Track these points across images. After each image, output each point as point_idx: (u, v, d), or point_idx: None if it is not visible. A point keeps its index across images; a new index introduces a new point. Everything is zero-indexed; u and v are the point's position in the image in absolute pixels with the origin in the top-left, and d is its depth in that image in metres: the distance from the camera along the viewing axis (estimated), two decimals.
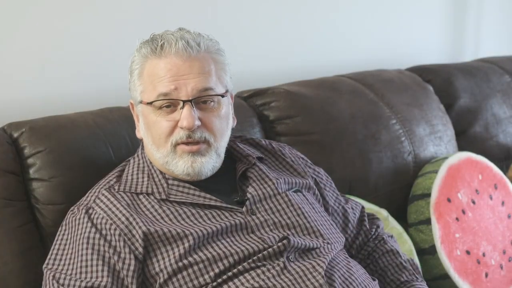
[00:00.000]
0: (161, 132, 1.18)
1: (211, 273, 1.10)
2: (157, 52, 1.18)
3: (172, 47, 1.16)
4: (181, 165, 1.18)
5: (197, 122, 1.16)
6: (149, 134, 1.21)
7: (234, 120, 1.30)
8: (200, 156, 1.18)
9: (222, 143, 1.23)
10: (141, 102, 1.21)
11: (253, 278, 1.10)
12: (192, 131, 1.16)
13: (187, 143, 1.17)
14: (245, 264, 1.11)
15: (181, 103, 1.16)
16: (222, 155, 1.25)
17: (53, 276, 1.11)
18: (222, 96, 1.21)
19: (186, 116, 1.15)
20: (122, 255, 1.11)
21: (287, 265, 1.12)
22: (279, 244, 1.14)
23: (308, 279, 1.10)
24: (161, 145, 1.19)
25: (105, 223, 1.14)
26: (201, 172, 1.19)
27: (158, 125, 1.18)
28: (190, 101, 1.15)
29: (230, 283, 1.10)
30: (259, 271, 1.11)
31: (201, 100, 1.18)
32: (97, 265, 1.10)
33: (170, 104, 1.17)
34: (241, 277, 1.10)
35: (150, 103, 1.18)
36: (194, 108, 1.16)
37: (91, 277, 1.09)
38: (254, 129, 1.65)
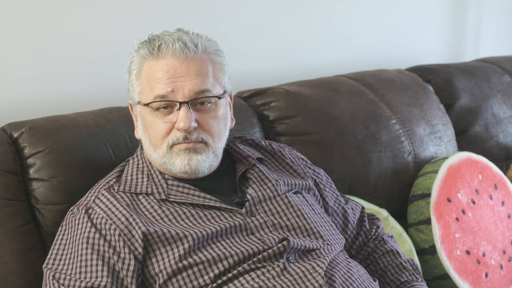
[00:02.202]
0: (158, 133, 1.18)
1: (211, 274, 1.10)
2: (154, 53, 1.18)
3: (169, 48, 1.16)
4: (178, 163, 1.18)
5: (194, 124, 1.16)
6: (147, 135, 1.21)
7: (232, 121, 1.30)
8: (196, 154, 1.18)
9: (219, 144, 1.23)
10: (139, 103, 1.22)
11: (253, 279, 1.10)
12: (188, 133, 1.16)
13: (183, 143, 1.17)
14: (245, 265, 1.11)
15: (178, 104, 1.16)
16: (220, 155, 1.25)
17: (53, 276, 1.11)
18: (219, 97, 1.21)
19: (182, 117, 1.15)
20: (122, 255, 1.11)
21: (287, 266, 1.12)
22: (279, 245, 1.14)
23: (308, 280, 1.10)
24: (157, 146, 1.19)
25: (105, 223, 1.14)
26: (198, 170, 1.19)
27: (155, 126, 1.18)
28: (186, 102, 1.16)
29: (230, 284, 1.10)
30: (259, 272, 1.11)
31: (198, 102, 1.18)
32: (96, 265, 1.10)
33: (167, 105, 1.17)
34: (241, 278, 1.10)
35: (147, 105, 1.18)
36: (191, 110, 1.16)
37: (91, 277, 1.09)
38: (254, 129, 1.65)
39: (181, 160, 1.18)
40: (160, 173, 1.22)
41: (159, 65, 1.17)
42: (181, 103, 1.16)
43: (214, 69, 1.21)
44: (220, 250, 1.12)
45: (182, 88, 1.16)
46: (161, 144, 1.19)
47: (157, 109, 1.18)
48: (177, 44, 1.16)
